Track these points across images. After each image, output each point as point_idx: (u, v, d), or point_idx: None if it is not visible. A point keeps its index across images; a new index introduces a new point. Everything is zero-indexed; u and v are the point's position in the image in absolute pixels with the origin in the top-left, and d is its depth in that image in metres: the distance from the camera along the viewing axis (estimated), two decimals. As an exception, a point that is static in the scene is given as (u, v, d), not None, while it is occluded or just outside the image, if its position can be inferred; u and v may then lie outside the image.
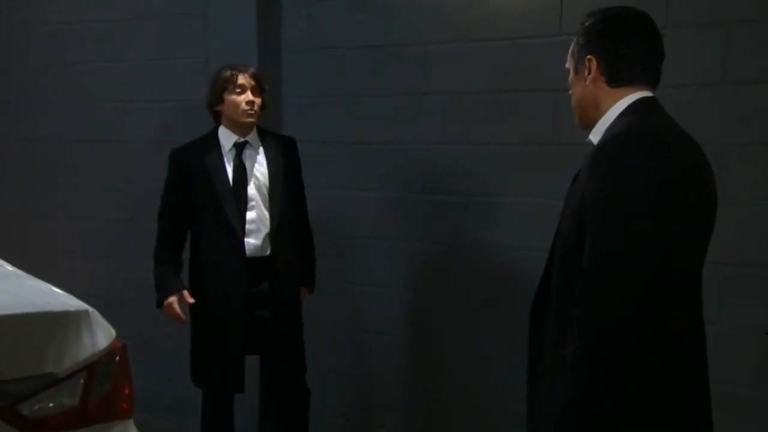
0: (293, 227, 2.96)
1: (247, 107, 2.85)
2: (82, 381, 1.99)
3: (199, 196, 2.89)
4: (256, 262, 2.87)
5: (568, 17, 2.93)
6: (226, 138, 2.91)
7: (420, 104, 3.31)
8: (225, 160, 2.88)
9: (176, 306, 2.89)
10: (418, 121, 3.32)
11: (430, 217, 3.33)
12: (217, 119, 2.95)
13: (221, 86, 2.86)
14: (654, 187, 1.52)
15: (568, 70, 1.78)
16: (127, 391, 2.13)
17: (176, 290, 2.89)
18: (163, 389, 3.90)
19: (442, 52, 3.24)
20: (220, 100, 2.88)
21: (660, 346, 1.53)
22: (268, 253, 2.89)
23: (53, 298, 2.17)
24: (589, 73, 1.71)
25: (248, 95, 2.85)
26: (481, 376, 3.24)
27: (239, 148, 2.90)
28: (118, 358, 2.11)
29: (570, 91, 1.79)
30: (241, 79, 2.86)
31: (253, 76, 2.89)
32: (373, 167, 3.39)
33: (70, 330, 2.00)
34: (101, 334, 2.08)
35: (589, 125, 1.75)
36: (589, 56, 1.71)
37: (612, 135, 1.63)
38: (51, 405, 1.94)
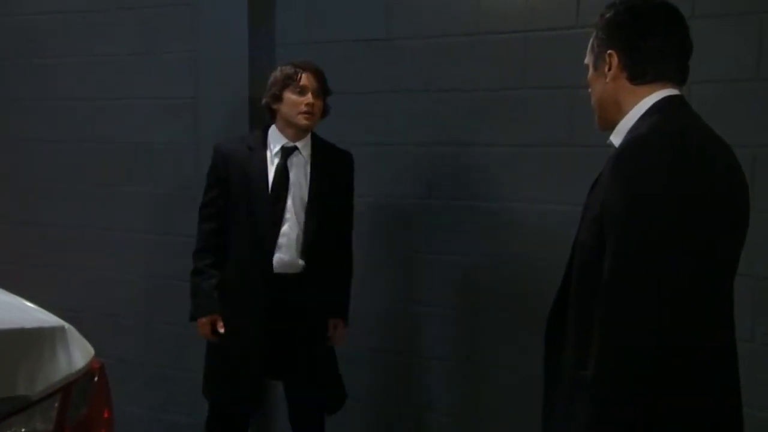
0: (331, 248, 2.93)
1: (306, 109, 2.85)
2: (57, 404, 1.98)
3: (234, 197, 2.89)
4: (285, 279, 2.86)
5: (587, 8, 2.94)
6: (276, 139, 2.91)
7: (424, 103, 3.32)
8: (269, 163, 2.89)
9: (209, 329, 2.91)
10: (422, 121, 3.33)
11: (434, 224, 3.34)
12: (273, 118, 2.95)
13: (282, 83, 2.86)
14: (680, 191, 1.52)
15: (587, 67, 1.79)
16: (106, 415, 2.12)
17: (213, 313, 2.90)
18: (147, 414, 3.90)
19: (449, 46, 3.25)
20: (279, 98, 2.88)
21: (687, 367, 1.53)
22: (299, 270, 2.88)
23: (25, 313, 2.16)
24: (609, 70, 1.71)
25: (309, 97, 2.85)
26: (496, 392, 3.25)
27: (286, 152, 2.90)
28: (96, 379, 2.11)
29: (589, 89, 1.79)
30: (305, 80, 2.86)
31: (318, 77, 2.88)
32: (373, 171, 3.40)
33: (45, 348, 1.99)
34: (78, 353, 2.08)
35: (610, 126, 1.74)
36: (609, 51, 1.71)
37: (635, 136, 1.62)
38: (23, 431, 1.93)
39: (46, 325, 2.06)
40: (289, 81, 2.85)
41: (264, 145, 2.91)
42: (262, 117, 3.09)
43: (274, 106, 2.89)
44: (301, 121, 2.86)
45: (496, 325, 3.25)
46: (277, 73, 2.91)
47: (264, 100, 2.92)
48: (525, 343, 3.03)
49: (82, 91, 4.05)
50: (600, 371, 1.53)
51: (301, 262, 2.86)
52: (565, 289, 1.72)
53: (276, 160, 2.88)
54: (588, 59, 1.78)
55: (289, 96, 2.85)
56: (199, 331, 2.94)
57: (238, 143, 2.95)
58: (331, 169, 2.94)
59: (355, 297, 3.14)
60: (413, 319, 3.43)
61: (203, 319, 2.90)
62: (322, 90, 2.89)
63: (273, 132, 2.93)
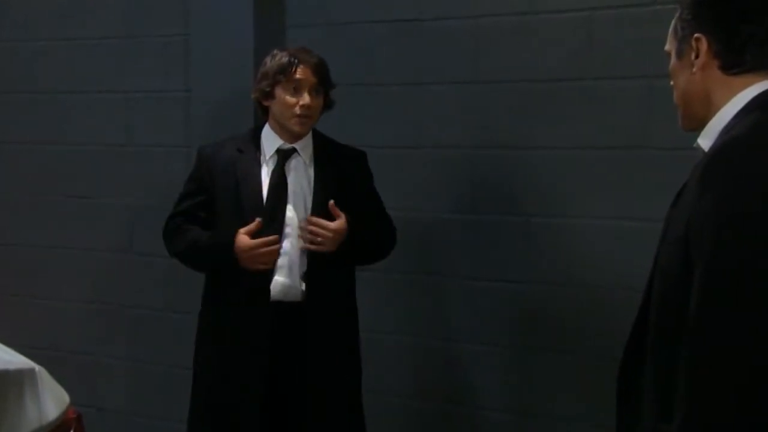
0: (341, 268, 2.90)
1: (300, 112, 2.83)
2: (25, 462, 1.99)
3: (220, 208, 2.89)
4: (284, 308, 2.84)
5: (665, -19, 2.94)
6: (270, 140, 2.92)
7: (464, 97, 3.33)
8: (262, 168, 2.90)
9: (252, 242, 2.77)
10: (461, 119, 3.33)
11: (474, 244, 3.33)
12: (265, 114, 2.96)
13: (273, 77, 2.84)
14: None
15: (669, 54, 1.78)
16: (83, 475, 2.13)
17: (232, 234, 2.80)
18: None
19: (494, 27, 3.25)
20: (271, 94, 2.86)
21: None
22: (300, 298, 2.86)
23: (-13, 352, 2.18)
24: (697, 57, 1.70)
25: (305, 97, 2.83)
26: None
27: (283, 156, 2.90)
28: (72, 431, 2.12)
29: (671, 81, 1.78)
30: (300, 74, 2.83)
31: (317, 70, 2.85)
32: (399, 179, 3.40)
33: (10, 396, 2.00)
34: (51, 400, 2.09)
35: (697, 125, 1.73)
36: (697, 35, 1.70)
37: (730, 138, 1.61)
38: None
39: (11, 367, 2.08)
40: (281, 75, 2.82)
41: (257, 147, 2.92)
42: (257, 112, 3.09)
43: (265, 103, 2.90)
44: (295, 127, 2.85)
45: (554, 368, 3.23)
46: (267, 63, 2.88)
47: (254, 95, 2.93)
48: (592, 390, 3.02)
49: (51, 82, 4.09)
50: (687, 426, 1.52)
51: (302, 287, 2.86)
52: (641, 325, 1.71)
53: (271, 165, 2.90)
54: (670, 45, 1.78)
55: (282, 94, 2.84)
56: (251, 252, 2.77)
57: (226, 145, 2.97)
58: (340, 172, 2.94)
59: (378, 331, 3.15)
60: (450, 359, 3.42)
61: (237, 237, 2.78)
62: (323, 84, 2.88)
63: (267, 132, 2.94)
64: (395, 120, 3.45)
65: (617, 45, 3.05)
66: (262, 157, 2.90)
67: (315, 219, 2.81)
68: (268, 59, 2.90)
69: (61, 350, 3.95)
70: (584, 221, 3.16)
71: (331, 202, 2.82)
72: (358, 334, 2.99)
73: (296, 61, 2.84)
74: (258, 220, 2.79)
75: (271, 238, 2.79)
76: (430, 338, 3.45)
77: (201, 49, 3.65)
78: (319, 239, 2.80)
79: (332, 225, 2.81)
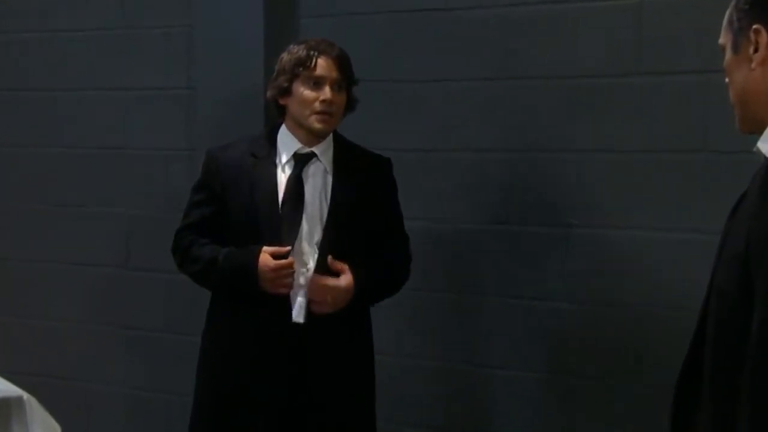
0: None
1: (321, 108, 2.85)
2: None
3: (232, 220, 2.91)
4: (302, 330, 2.86)
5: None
6: (286, 144, 2.93)
7: (496, 94, 3.33)
8: (278, 174, 2.92)
9: (270, 257, 2.80)
10: (493, 119, 3.34)
11: (509, 258, 3.34)
12: (281, 115, 2.97)
13: (292, 71, 2.85)
14: None
15: (723, 48, 1.78)
16: None
17: (254, 251, 2.83)
18: None
19: (531, 17, 3.26)
20: (287, 91, 2.88)
21: None
22: (301, 320, 2.87)
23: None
24: (756, 51, 1.70)
25: (326, 92, 2.84)
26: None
27: (301, 161, 2.92)
28: (63, 466, 2.14)
29: (726, 78, 1.79)
30: (321, 67, 2.85)
31: (339, 64, 2.87)
32: (424, 186, 3.42)
33: (-3, 425, 2.02)
34: (41, 431, 2.10)
35: (757, 128, 1.73)
36: (755, 26, 1.70)
37: (795, 142, 1.62)
38: None
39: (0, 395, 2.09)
40: (299, 69, 2.84)
41: (272, 151, 2.94)
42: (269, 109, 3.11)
43: (282, 101, 2.92)
44: (315, 124, 2.86)
45: (598, 397, 3.23)
46: (285, 57, 2.90)
47: (269, 93, 2.94)
48: (641, 421, 3.01)
49: (38, 79, 4.12)
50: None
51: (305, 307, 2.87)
52: (696, 349, 1.71)
53: (287, 171, 2.91)
54: (724, 38, 1.78)
55: (301, 89, 2.85)
56: (274, 274, 2.79)
57: (238, 149, 2.98)
58: (361, 181, 2.95)
59: (399, 355, 3.15)
60: (482, 385, 3.42)
61: (260, 257, 2.79)
62: (346, 80, 2.89)
63: (283, 134, 2.95)
64: (418, 120, 3.46)
65: (669, 36, 3.05)
66: (278, 162, 2.92)
67: (317, 279, 2.84)
68: (284, 54, 2.91)
69: (51, 376, 3.97)
70: (631, 233, 3.16)
71: (330, 258, 2.84)
72: (373, 357, 3.01)
73: (316, 53, 2.85)
74: (289, 248, 2.81)
75: (291, 260, 2.81)
76: (458, 363, 3.45)
77: (205, 41, 3.67)
78: (323, 299, 2.84)
79: (337, 285, 2.84)
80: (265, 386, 2.86)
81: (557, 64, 3.23)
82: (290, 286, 2.83)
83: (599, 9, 3.16)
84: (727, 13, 1.77)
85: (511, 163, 3.34)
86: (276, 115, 3.00)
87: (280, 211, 2.87)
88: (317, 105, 2.84)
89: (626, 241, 3.17)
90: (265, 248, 2.81)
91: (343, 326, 2.90)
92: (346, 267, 2.85)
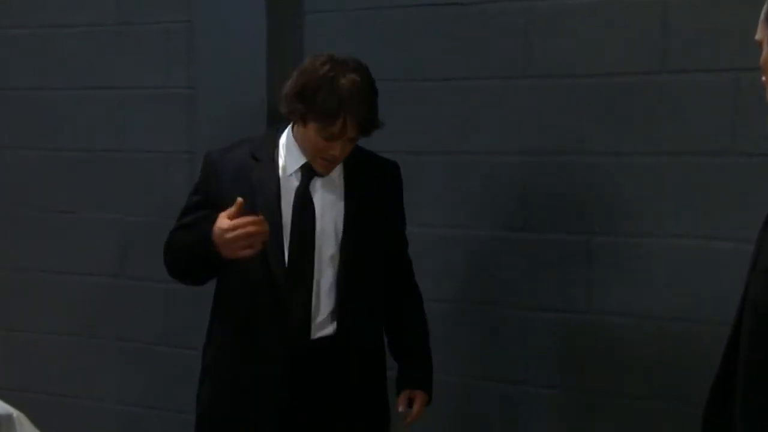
0: (374, 299, 2.94)
1: (327, 157, 2.82)
2: None
3: None
4: (316, 348, 2.86)
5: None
6: (293, 153, 2.90)
7: (517, 94, 3.34)
8: (282, 183, 2.90)
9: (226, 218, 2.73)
10: (514, 119, 3.34)
11: (529, 267, 3.34)
12: (290, 121, 2.93)
13: (313, 112, 2.76)
14: None
15: (760, 44, 1.79)
16: None
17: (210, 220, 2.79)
18: None
19: (554, 11, 3.27)
20: (302, 120, 2.80)
21: None
22: (331, 332, 2.87)
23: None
24: (795, 48, 1.72)
25: (336, 148, 2.79)
26: None
27: (307, 173, 2.90)
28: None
29: (762, 77, 1.79)
30: (343, 128, 2.76)
31: (363, 126, 2.79)
32: (441, 190, 3.43)
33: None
34: (33, 452, 2.11)
35: (795, 129, 1.75)
36: (795, 21, 1.72)
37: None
38: None
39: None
40: (322, 119, 2.75)
41: (276, 154, 2.94)
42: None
43: (293, 120, 2.87)
44: (317, 167, 2.85)
45: (625, 415, 3.23)
46: (309, 80, 2.78)
47: (281, 106, 2.89)
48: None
49: (28, 77, 4.13)
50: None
51: (333, 323, 2.88)
52: (729, 366, 1.72)
53: (294, 182, 2.91)
54: (761, 34, 1.78)
55: (313, 133, 2.79)
56: (230, 244, 2.72)
57: (238, 150, 2.97)
58: (374, 187, 2.95)
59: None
60: (500, 403, 3.43)
61: (215, 229, 2.73)
62: (364, 133, 2.83)
63: (288, 140, 2.92)
64: (433, 122, 3.47)
65: (698, 32, 3.05)
66: (280, 169, 2.91)
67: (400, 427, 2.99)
68: (308, 68, 2.80)
69: (42, 392, 3.98)
70: (658, 241, 3.16)
71: (399, 406, 3.00)
72: (386, 377, 3.02)
73: (344, 114, 2.75)
74: (239, 200, 2.72)
75: (253, 217, 2.72)
76: (477, 378, 3.46)
77: (206, 38, 3.68)
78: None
79: (419, 413, 3.00)
80: (271, 409, 2.86)
81: (579, 61, 3.24)
82: (255, 247, 2.74)
83: (623, 3, 3.16)
84: (765, 8, 1.78)
85: (530, 167, 3.35)
86: (281, 117, 2.99)
87: (291, 226, 2.86)
88: (324, 154, 2.81)
89: (652, 249, 3.17)
90: (222, 214, 2.75)
91: (356, 345, 2.91)
92: (409, 393, 3.01)
